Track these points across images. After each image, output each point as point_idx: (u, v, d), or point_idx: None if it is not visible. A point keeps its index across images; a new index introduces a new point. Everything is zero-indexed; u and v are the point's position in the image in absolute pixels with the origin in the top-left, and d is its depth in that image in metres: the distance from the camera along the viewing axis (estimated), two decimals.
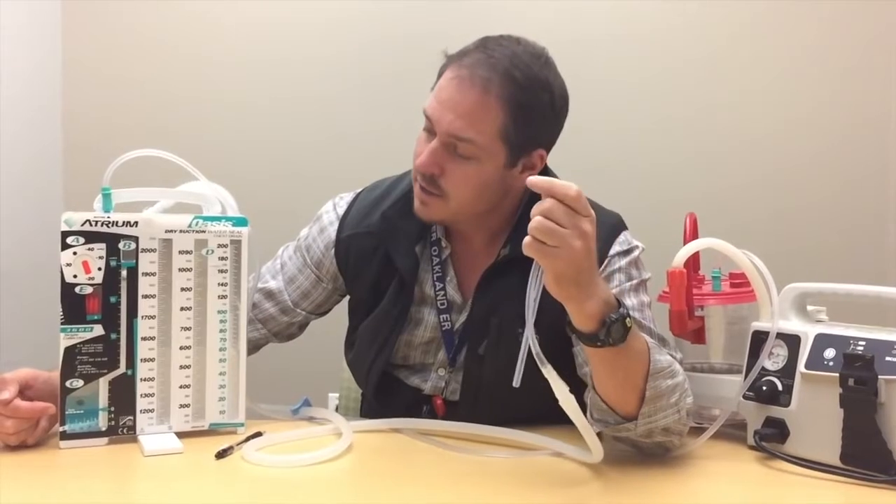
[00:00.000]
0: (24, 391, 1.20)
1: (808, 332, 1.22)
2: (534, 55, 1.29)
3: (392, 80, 2.36)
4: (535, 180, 1.03)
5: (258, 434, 1.24)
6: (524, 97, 1.26)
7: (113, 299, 1.22)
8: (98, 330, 1.21)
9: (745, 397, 1.24)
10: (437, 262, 1.40)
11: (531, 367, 1.04)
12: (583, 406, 1.12)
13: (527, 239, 1.02)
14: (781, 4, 2.31)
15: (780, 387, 1.22)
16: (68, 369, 1.20)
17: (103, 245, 1.21)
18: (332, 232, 1.45)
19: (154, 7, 2.42)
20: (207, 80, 2.42)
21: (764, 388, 1.22)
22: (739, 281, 1.36)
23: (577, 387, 1.14)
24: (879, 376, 1.10)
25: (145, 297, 1.23)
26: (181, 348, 1.26)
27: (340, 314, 1.52)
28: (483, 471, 1.16)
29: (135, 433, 1.23)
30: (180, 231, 1.25)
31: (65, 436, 1.20)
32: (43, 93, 2.37)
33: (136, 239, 1.23)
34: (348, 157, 2.35)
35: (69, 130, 2.42)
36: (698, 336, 1.33)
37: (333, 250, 1.45)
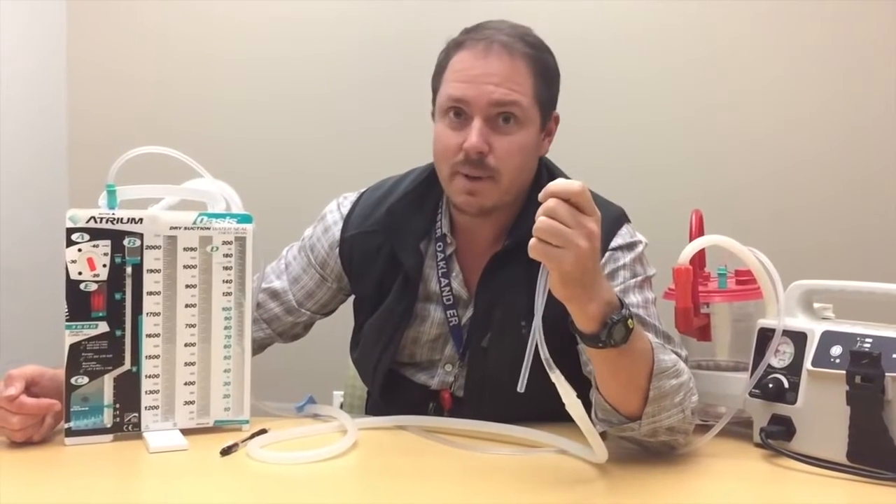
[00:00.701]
0: (30, 388, 1.20)
1: (814, 329, 1.21)
2: (525, 27, 1.34)
3: (396, 78, 2.36)
4: (542, 194, 1.03)
5: (263, 431, 1.24)
6: (542, 58, 1.32)
7: (118, 296, 1.22)
8: (103, 327, 1.21)
9: (751, 395, 1.24)
10: (441, 257, 1.40)
11: (536, 364, 1.03)
12: (587, 404, 1.11)
13: (532, 241, 1.01)
14: (785, 2, 2.30)
15: (786, 384, 1.21)
16: (73, 366, 1.20)
17: (108, 242, 1.21)
18: (336, 231, 1.45)
19: (158, 5, 2.42)
20: (212, 77, 2.42)
21: (770, 385, 1.22)
22: (745, 278, 1.35)
23: (582, 385, 1.14)
24: (886, 374, 1.10)
25: (150, 293, 1.23)
26: (186, 345, 1.26)
27: (345, 312, 1.52)
28: (488, 468, 1.16)
29: (140, 430, 1.23)
30: (185, 228, 1.25)
31: (70, 432, 1.20)
32: (48, 90, 2.38)
33: (140, 236, 1.23)
34: (352, 155, 2.35)
35: (74, 127, 2.42)
36: (704, 333, 1.33)
37: (338, 250, 1.44)
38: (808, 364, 1.19)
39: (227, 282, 1.28)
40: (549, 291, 1.03)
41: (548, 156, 1.40)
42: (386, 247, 1.39)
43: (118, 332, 1.22)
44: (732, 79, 2.32)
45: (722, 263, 1.37)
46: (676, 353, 1.20)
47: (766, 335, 1.25)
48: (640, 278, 1.33)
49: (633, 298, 1.29)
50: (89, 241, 1.20)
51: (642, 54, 2.33)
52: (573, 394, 1.05)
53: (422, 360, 1.42)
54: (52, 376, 1.23)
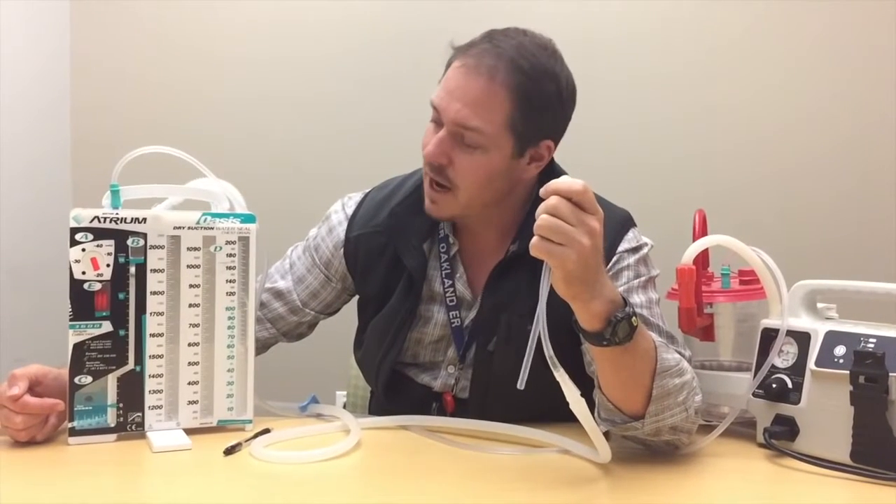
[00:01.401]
0: (34, 388, 1.20)
1: (818, 329, 1.21)
2: (540, 46, 1.29)
3: (400, 78, 2.35)
4: (543, 190, 1.03)
5: (266, 431, 1.24)
6: (531, 86, 1.26)
7: (121, 296, 1.22)
8: (107, 326, 1.21)
9: (754, 395, 1.24)
10: (445, 258, 1.40)
11: (541, 364, 1.03)
12: (591, 404, 1.11)
13: (534, 240, 1.01)
14: (790, 2, 2.29)
15: (789, 384, 1.21)
16: (77, 366, 1.20)
17: (112, 242, 1.21)
18: (340, 232, 1.45)
19: (162, 4, 2.42)
20: (215, 77, 2.42)
21: (773, 385, 1.21)
22: (749, 278, 1.35)
23: (585, 385, 1.14)
24: (890, 374, 1.10)
25: (154, 293, 1.24)
26: (189, 345, 1.26)
27: (348, 311, 1.52)
28: (491, 467, 1.16)
29: (143, 430, 1.23)
30: (189, 228, 1.25)
31: (73, 432, 1.20)
32: (51, 90, 2.38)
33: (144, 235, 1.23)
34: (356, 155, 2.35)
35: (77, 127, 2.42)
36: (707, 333, 1.32)
37: (342, 250, 1.44)
38: (811, 364, 1.19)
39: (230, 281, 1.28)
40: (554, 291, 1.03)
41: (553, 156, 1.40)
42: (390, 247, 1.40)
43: (122, 332, 1.22)
44: (736, 78, 2.32)
45: (725, 263, 1.37)
46: (680, 354, 1.20)
47: (769, 335, 1.25)
48: (643, 278, 1.33)
49: (637, 298, 1.29)
50: (93, 240, 1.20)
51: (646, 54, 2.33)
52: (577, 392, 1.05)
53: (425, 360, 1.42)
54: (55, 376, 1.23)
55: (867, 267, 2.08)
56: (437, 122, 1.30)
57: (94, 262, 1.20)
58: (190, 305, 1.26)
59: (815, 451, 1.17)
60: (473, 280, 1.40)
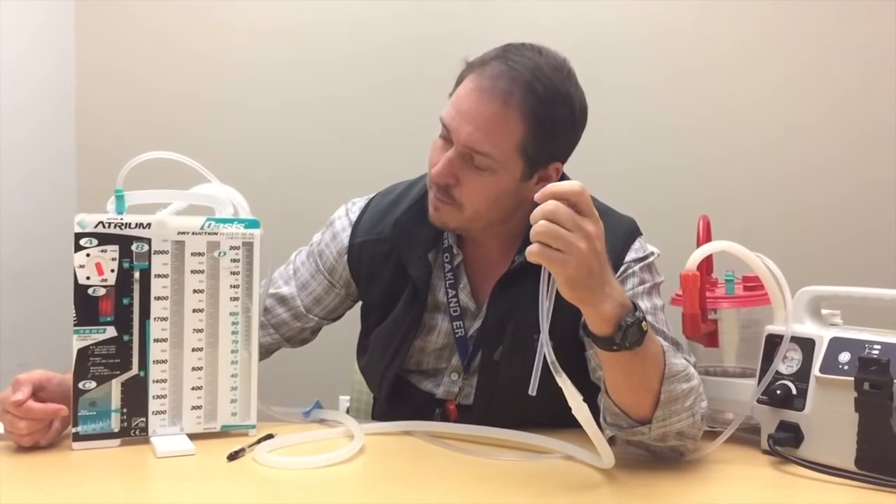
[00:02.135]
0: (38, 393, 1.20)
1: (822, 335, 1.21)
2: (556, 67, 1.27)
3: (405, 83, 2.36)
4: (540, 195, 1.03)
5: (270, 436, 1.24)
6: (545, 111, 1.24)
7: (126, 301, 1.22)
8: (111, 331, 1.21)
9: (758, 401, 1.23)
10: (448, 268, 1.39)
11: (545, 371, 1.03)
12: (595, 410, 1.11)
13: (532, 246, 1.01)
14: (794, 7, 2.29)
15: (794, 391, 1.21)
16: (81, 371, 1.20)
17: (116, 247, 1.21)
18: (344, 238, 1.45)
19: (167, 9, 2.43)
20: (220, 82, 2.42)
21: (778, 391, 1.21)
22: (753, 284, 1.35)
23: (590, 392, 1.14)
24: (895, 380, 1.09)
25: (158, 298, 1.24)
26: (193, 350, 1.26)
27: (352, 317, 1.52)
28: (494, 473, 1.16)
29: (147, 435, 1.24)
30: (193, 233, 1.26)
31: (77, 437, 1.20)
32: (56, 94, 2.39)
33: (148, 241, 1.23)
34: (360, 159, 2.35)
35: (82, 132, 2.43)
36: (711, 339, 1.32)
37: (346, 256, 1.44)
38: (816, 370, 1.19)
39: (234, 287, 1.28)
40: (561, 298, 1.03)
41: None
42: (394, 255, 1.39)
43: (126, 337, 1.22)
44: (739, 84, 2.32)
45: (729, 269, 1.37)
46: (685, 360, 1.20)
47: (773, 341, 1.25)
48: (647, 285, 1.32)
49: (642, 304, 1.29)
50: (97, 245, 1.20)
51: (651, 59, 2.33)
52: (579, 397, 1.05)
53: (428, 367, 1.42)
54: (59, 381, 1.24)
55: (872, 273, 2.09)
56: (446, 139, 1.28)
57: (98, 267, 1.20)
58: (194, 311, 1.26)
59: (819, 457, 1.16)
60: (477, 290, 1.40)
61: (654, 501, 1.08)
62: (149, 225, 1.23)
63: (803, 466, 1.16)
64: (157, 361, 1.24)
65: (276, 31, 2.41)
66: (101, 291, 1.21)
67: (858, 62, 2.28)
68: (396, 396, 1.42)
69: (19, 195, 2.19)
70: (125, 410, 1.22)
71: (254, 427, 1.29)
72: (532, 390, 1.03)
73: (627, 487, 1.11)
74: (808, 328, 1.25)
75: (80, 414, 1.20)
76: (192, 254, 1.26)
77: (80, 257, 1.20)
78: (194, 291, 1.26)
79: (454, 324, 1.38)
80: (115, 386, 1.22)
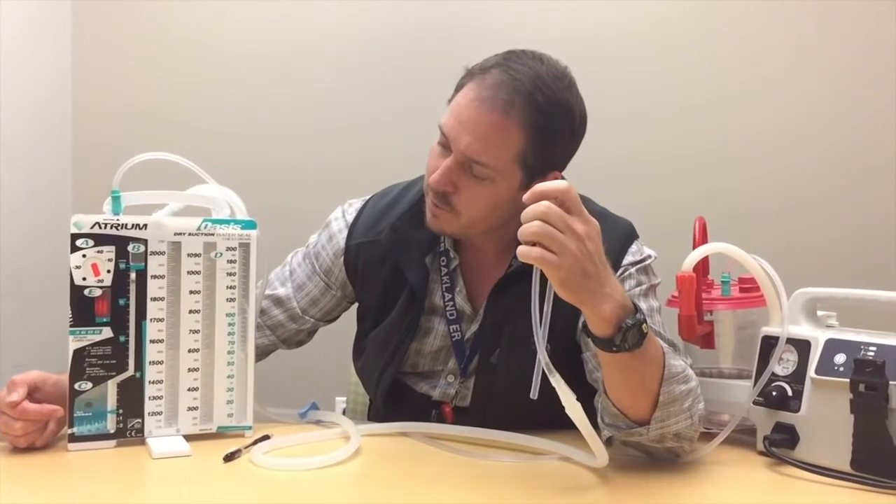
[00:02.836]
0: (33, 394, 1.20)
1: (818, 337, 1.21)
2: (557, 76, 1.26)
3: (401, 83, 2.36)
4: (528, 196, 1.03)
5: (266, 437, 1.24)
6: (545, 122, 1.24)
7: (122, 302, 1.22)
8: (107, 332, 1.21)
9: (754, 403, 1.24)
10: (445, 272, 1.39)
11: (542, 373, 1.03)
12: (590, 411, 1.11)
13: (522, 247, 1.02)
14: (791, 2, 2.29)
15: (790, 392, 1.21)
16: (77, 371, 1.20)
17: (112, 248, 1.21)
18: (341, 240, 1.45)
19: (164, 6, 2.42)
20: (218, 81, 2.42)
21: (774, 393, 1.21)
22: (749, 285, 1.35)
23: (586, 394, 1.14)
24: (891, 382, 1.10)
25: (154, 299, 1.24)
26: (189, 351, 1.26)
27: (348, 318, 1.52)
28: (490, 474, 1.16)
29: (143, 436, 1.23)
30: (189, 234, 1.25)
31: (73, 438, 1.20)
32: (52, 94, 2.38)
33: (145, 241, 1.23)
34: (358, 161, 2.35)
35: (79, 132, 2.42)
36: (707, 341, 1.32)
37: (343, 258, 1.44)
38: (811, 372, 1.19)
39: (230, 288, 1.28)
40: (559, 299, 1.04)
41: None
42: (390, 257, 1.39)
43: (122, 338, 1.22)
44: (737, 80, 2.31)
45: (726, 270, 1.37)
46: (683, 361, 1.20)
47: (769, 343, 1.25)
48: (644, 286, 1.33)
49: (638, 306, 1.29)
50: (94, 246, 1.20)
51: (645, 59, 2.32)
52: (573, 396, 1.05)
53: (424, 370, 1.42)
54: (55, 382, 1.23)
55: (868, 275, 2.09)
56: (445, 147, 1.27)
57: (94, 268, 1.20)
58: (190, 311, 1.26)
59: (815, 458, 1.16)
60: (473, 294, 1.40)
61: (650, 503, 1.08)
62: (145, 226, 1.23)
63: (799, 468, 1.16)
64: (154, 362, 1.24)
65: (273, 28, 2.41)
66: (98, 292, 1.21)
67: (858, 60, 2.28)
68: (392, 398, 1.42)
69: (15, 196, 2.18)
70: (121, 411, 1.22)
71: (250, 428, 1.29)
72: (533, 394, 1.03)
73: (623, 489, 1.11)
74: (803, 330, 1.25)
75: (75, 415, 1.20)
76: (189, 255, 1.25)
77: (76, 258, 1.19)
78: (191, 292, 1.26)
79: (451, 327, 1.38)
80: (111, 387, 1.22)
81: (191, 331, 1.26)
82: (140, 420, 1.23)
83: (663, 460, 1.19)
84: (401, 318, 1.38)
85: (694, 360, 1.31)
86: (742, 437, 1.28)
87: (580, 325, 1.09)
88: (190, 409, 1.26)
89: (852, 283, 1.29)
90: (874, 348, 1.14)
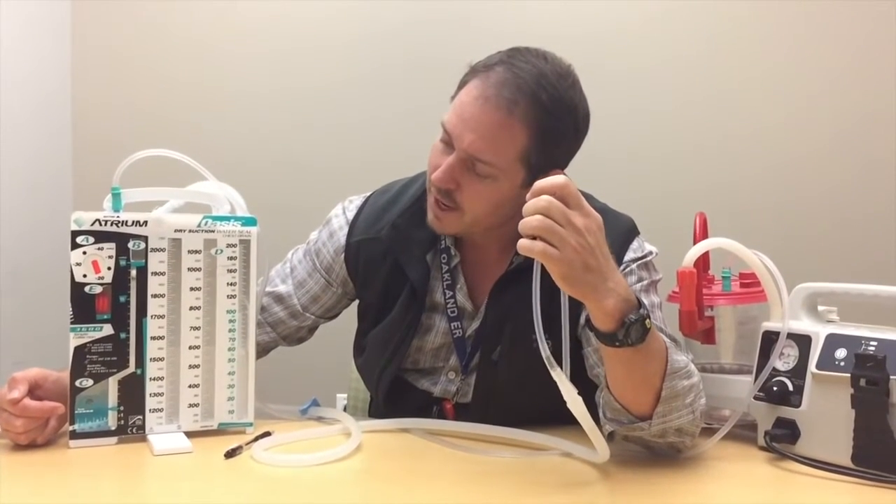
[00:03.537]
0: (34, 391, 1.20)
1: (819, 332, 1.21)
2: (561, 75, 1.26)
3: (402, 80, 2.35)
4: (531, 193, 1.03)
5: (267, 434, 1.24)
6: (549, 121, 1.24)
7: (122, 299, 1.22)
8: (107, 329, 1.21)
9: (755, 398, 1.24)
10: (446, 269, 1.39)
11: (543, 369, 1.03)
12: (591, 407, 1.11)
13: (523, 240, 1.02)
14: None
15: (790, 387, 1.21)
16: (78, 368, 1.20)
17: (113, 245, 1.21)
18: (341, 237, 1.44)
19: (164, 4, 2.42)
20: (218, 78, 2.42)
21: (775, 388, 1.21)
22: (749, 281, 1.35)
23: (587, 389, 1.14)
24: (891, 376, 1.10)
25: (155, 296, 1.24)
26: (190, 348, 1.26)
27: (349, 315, 1.52)
28: (491, 471, 1.16)
29: (144, 433, 1.23)
30: (190, 231, 1.25)
31: (74, 435, 1.20)
32: (52, 91, 2.38)
33: (145, 238, 1.23)
34: (358, 158, 2.35)
35: (79, 129, 2.43)
36: (708, 336, 1.32)
37: (343, 255, 1.44)
38: (812, 367, 1.19)
39: (231, 284, 1.28)
40: (559, 295, 1.03)
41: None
42: (391, 255, 1.39)
43: (123, 335, 1.22)
44: (738, 75, 2.31)
45: (726, 266, 1.37)
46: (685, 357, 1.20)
47: (770, 338, 1.25)
48: (645, 282, 1.33)
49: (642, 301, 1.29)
50: (94, 243, 1.20)
51: (647, 52, 2.32)
52: (574, 391, 1.05)
53: (425, 366, 1.42)
54: (55, 379, 1.23)
55: (868, 270, 2.09)
56: (447, 144, 1.27)
57: (95, 265, 1.20)
58: (191, 308, 1.26)
59: (816, 453, 1.16)
60: (474, 291, 1.40)
61: (651, 498, 1.08)
62: (145, 223, 1.23)
63: (800, 463, 1.16)
64: (154, 359, 1.24)
65: (273, 25, 2.41)
66: (98, 289, 1.21)
67: (858, 56, 2.28)
68: (394, 395, 1.42)
69: (16, 193, 2.18)
70: (122, 408, 1.22)
71: (251, 425, 1.29)
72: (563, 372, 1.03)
73: (624, 484, 1.11)
74: (804, 325, 1.25)
75: (76, 412, 1.20)
76: (189, 251, 1.25)
77: (76, 255, 1.19)
78: (191, 289, 1.26)
79: (452, 324, 1.38)
80: (112, 384, 1.22)
81: (191, 327, 1.26)
82: (141, 417, 1.23)
83: (664, 455, 1.19)
84: (402, 316, 1.38)
85: (695, 356, 1.31)
86: (743, 432, 1.28)
87: (582, 320, 1.09)
88: (191, 405, 1.26)
89: (853, 278, 1.29)
90: (875, 343, 1.14)
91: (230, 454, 1.17)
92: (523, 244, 1.02)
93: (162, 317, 1.24)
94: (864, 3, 2.27)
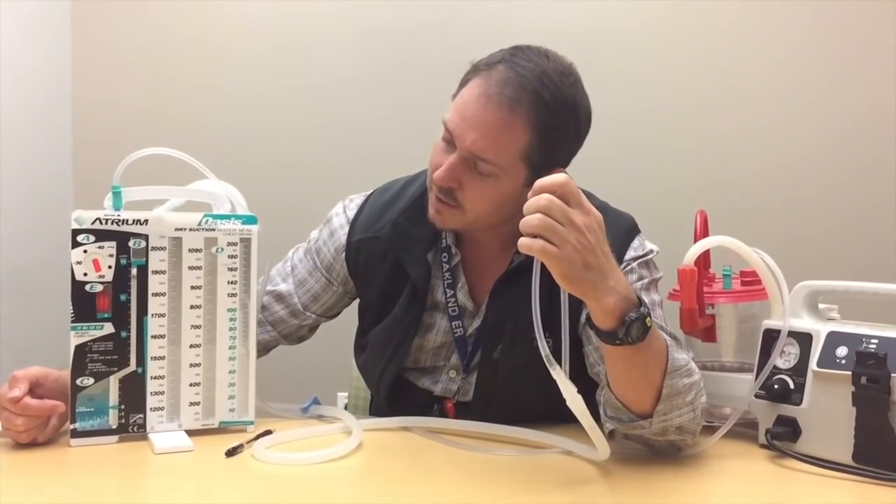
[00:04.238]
0: (35, 389, 1.20)
1: (819, 330, 1.21)
2: (563, 73, 1.26)
3: (402, 79, 2.35)
4: (532, 192, 1.03)
5: (268, 432, 1.24)
6: (551, 119, 1.24)
7: (123, 297, 1.22)
8: (108, 328, 1.21)
9: (756, 396, 1.24)
10: (446, 268, 1.39)
11: (543, 368, 1.03)
12: (591, 406, 1.11)
13: (524, 239, 1.02)
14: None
15: (791, 385, 1.21)
16: (79, 367, 1.20)
17: (113, 243, 1.21)
18: (342, 236, 1.44)
19: (164, 4, 2.42)
20: (219, 76, 2.42)
21: (775, 386, 1.22)
22: (750, 279, 1.35)
23: (588, 387, 1.14)
24: (892, 374, 1.10)
25: (155, 295, 1.24)
26: (191, 346, 1.26)
27: (350, 314, 1.52)
28: (492, 469, 1.16)
29: (145, 431, 1.23)
30: (190, 229, 1.25)
31: (75, 434, 1.20)
32: (52, 90, 2.38)
33: (146, 237, 1.23)
34: (359, 156, 2.35)
35: (79, 128, 2.43)
36: (709, 334, 1.32)
37: (344, 254, 1.44)
38: (813, 365, 1.19)
39: (231, 283, 1.28)
40: (560, 293, 1.03)
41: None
42: (392, 253, 1.39)
43: (123, 334, 1.22)
44: (739, 73, 2.31)
45: (727, 264, 1.37)
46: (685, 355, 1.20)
47: (771, 336, 1.25)
48: (646, 280, 1.33)
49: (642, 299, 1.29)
50: (95, 242, 1.20)
51: (647, 51, 2.32)
52: (573, 389, 1.05)
53: (426, 365, 1.42)
54: (56, 377, 1.23)
55: (869, 268, 2.08)
56: (449, 142, 1.27)
57: (95, 263, 1.20)
58: (191, 307, 1.26)
59: (816, 451, 1.17)
60: (475, 290, 1.40)
61: (652, 496, 1.08)
62: (146, 221, 1.23)
63: (801, 461, 1.17)
64: (155, 358, 1.24)
65: (275, 24, 2.41)
66: (99, 288, 1.21)
67: (859, 55, 2.28)
68: (395, 394, 1.42)
69: (16, 192, 2.19)
70: (123, 407, 1.22)
71: (252, 423, 1.29)
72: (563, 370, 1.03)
73: (625, 482, 1.11)
74: (805, 323, 1.25)
75: (77, 410, 1.20)
76: (190, 250, 1.25)
77: (77, 254, 1.19)
78: (192, 288, 1.26)
79: (453, 323, 1.38)
80: (113, 382, 1.22)
81: (192, 326, 1.26)
82: (142, 415, 1.23)
83: (665, 453, 1.19)
84: (402, 315, 1.38)
85: (695, 354, 1.31)
86: (744, 430, 1.28)
87: (583, 318, 1.09)
88: (192, 404, 1.26)
89: (853, 276, 1.29)
90: (876, 341, 1.14)
91: (231, 452, 1.17)
92: (523, 242, 1.02)
93: (163, 315, 1.24)
94: (864, 3, 2.27)
